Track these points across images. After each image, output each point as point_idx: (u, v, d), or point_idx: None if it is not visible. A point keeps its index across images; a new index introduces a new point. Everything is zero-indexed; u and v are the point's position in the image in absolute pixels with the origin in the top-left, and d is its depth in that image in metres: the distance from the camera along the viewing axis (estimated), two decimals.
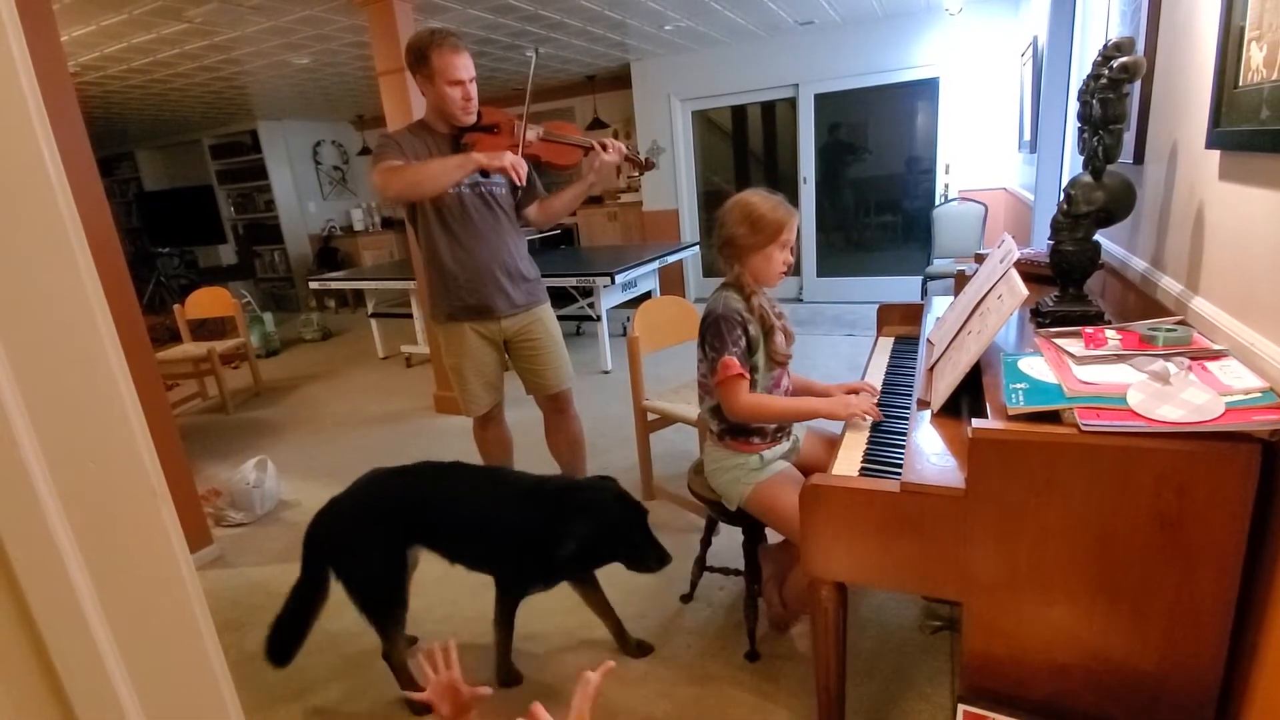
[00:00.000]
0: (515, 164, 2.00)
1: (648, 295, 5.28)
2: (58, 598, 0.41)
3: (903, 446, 1.31)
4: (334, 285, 6.19)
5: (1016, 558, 1.05)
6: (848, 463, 1.36)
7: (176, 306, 4.86)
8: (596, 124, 6.70)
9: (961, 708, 1.13)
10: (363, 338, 6.29)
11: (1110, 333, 1.19)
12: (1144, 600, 1.00)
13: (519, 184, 2.06)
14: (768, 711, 1.68)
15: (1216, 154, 1.21)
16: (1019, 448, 1.00)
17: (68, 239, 0.45)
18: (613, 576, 2.28)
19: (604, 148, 2.18)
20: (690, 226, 6.61)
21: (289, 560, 2.25)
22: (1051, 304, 1.48)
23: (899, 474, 1.17)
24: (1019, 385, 1.08)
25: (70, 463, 0.43)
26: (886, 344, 2.11)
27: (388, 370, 5.34)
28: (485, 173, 2.21)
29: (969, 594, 1.11)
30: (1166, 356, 1.06)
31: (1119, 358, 1.10)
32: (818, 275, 6.15)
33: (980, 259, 2.04)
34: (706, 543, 2.04)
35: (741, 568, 1.87)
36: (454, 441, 3.56)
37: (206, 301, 4.91)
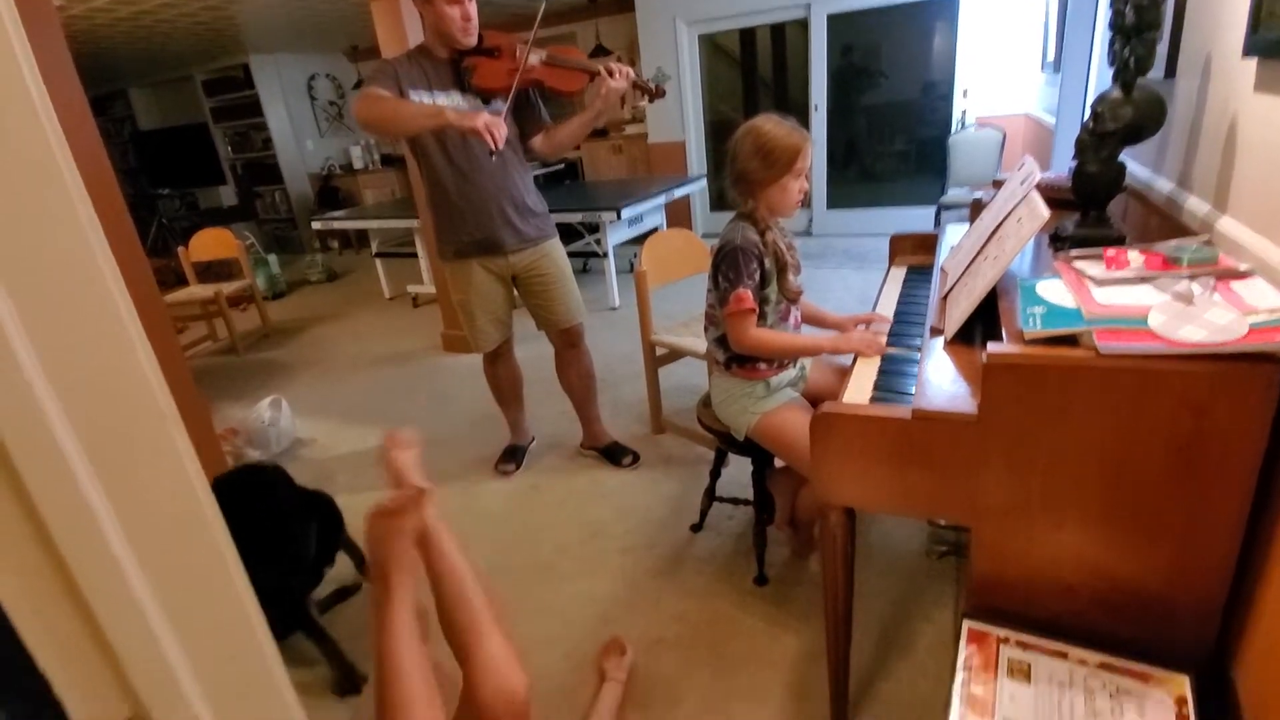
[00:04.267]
0: (490, 125, 1.87)
1: (654, 230, 5.19)
2: (76, 517, 0.42)
3: (915, 374, 1.30)
4: (337, 225, 6.12)
5: (1029, 483, 1.05)
6: (859, 390, 1.35)
7: (181, 249, 4.83)
8: (599, 50, 6.45)
9: (966, 623, 1.15)
10: (368, 278, 6.26)
11: (1133, 254, 1.16)
12: (1155, 522, 1.00)
13: (492, 150, 1.90)
14: (776, 634, 1.73)
15: (1253, 63, 1.15)
16: (1035, 372, 0.99)
17: (62, 176, 0.43)
18: (623, 503, 2.33)
19: (611, 73, 2.05)
20: (697, 159, 6.44)
21: None
22: (1072, 228, 1.43)
23: (911, 401, 1.16)
24: (1036, 309, 1.06)
25: (78, 389, 0.43)
26: (899, 274, 2.07)
27: (395, 310, 5.33)
28: (487, 99, 2.14)
29: (979, 519, 1.12)
30: (1191, 276, 1.03)
31: (1141, 279, 1.07)
32: (828, 207, 6.02)
33: (999, 185, 1.97)
34: (716, 474, 2.07)
35: (750, 498, 1.90)
36: (463, 379, 3.58)
37: (210, 243, 4.87)
